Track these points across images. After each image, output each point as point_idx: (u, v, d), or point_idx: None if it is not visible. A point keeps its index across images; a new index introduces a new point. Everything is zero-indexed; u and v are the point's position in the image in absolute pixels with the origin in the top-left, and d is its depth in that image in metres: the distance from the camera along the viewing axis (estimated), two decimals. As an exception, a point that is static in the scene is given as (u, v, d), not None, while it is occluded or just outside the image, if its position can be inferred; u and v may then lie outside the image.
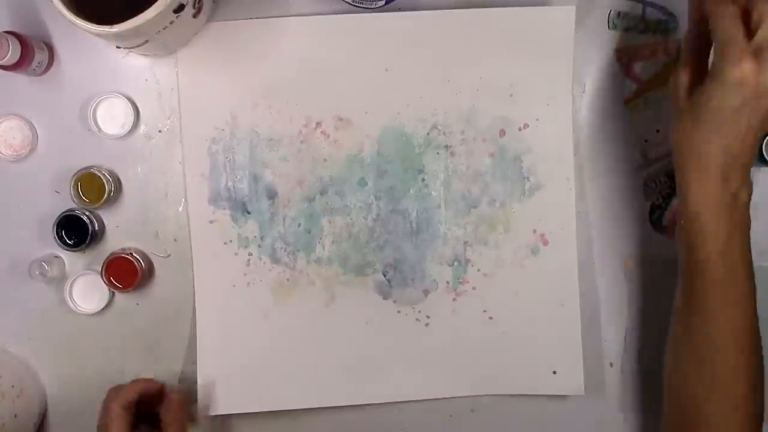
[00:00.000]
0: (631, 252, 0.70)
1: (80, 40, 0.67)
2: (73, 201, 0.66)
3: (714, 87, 0.53)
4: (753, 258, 0.69)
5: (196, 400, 0.67)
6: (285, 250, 0.68)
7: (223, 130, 0.67)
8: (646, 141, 0.69)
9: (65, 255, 0.68)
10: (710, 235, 0.56)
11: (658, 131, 0.69)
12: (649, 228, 0.70)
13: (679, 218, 0.60)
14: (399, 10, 0.67)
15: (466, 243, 0.68)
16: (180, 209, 0.68)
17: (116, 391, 0.63)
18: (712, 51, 0.56)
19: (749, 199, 0.57)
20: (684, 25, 0.68)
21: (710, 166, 0.55)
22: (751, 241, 0.69)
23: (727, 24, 0.52)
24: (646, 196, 0.70)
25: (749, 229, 0.58)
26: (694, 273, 0.58)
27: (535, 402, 0.70)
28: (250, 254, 0.68)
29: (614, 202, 0.70)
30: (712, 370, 0.58)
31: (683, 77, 0.58)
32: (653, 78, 0.69)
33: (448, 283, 0.68)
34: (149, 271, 0.68)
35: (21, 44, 0.62)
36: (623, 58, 0.69)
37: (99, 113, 0.67)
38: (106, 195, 0.66)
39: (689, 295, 0.59)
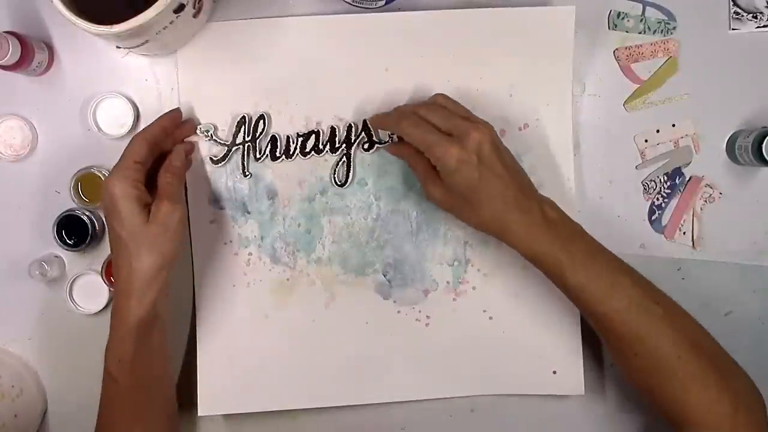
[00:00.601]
0: (631, 252, 0.70)
1: (80, 40, 0.67)
2: (73, 201, 0.66)
3: (452, 177, 0.58)
4: (753, 258, 0.70)
5: (196, 401, 0.68)
6: (285, 250, 0.68)
7: (222, 129, 0.67)
8: (646, 141, 0.69)
9: (65, 255, 0.68)
10: (557, 260, 0.58)
11: (658, 131, 0.69)
12: (649, 228, 0.70)
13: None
14: (399, 10, 0.67)
15: (466, 243, 0.68)
16: (180, 209, 0.68)
17: (120, 171, 0.59)
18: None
19: (558, 209, 0.61)
20: (684, 24, 0.68)
21: (513, 213, 0.58)
22: (751, 241, 0.69)
23: (424, 135, 0.59)
24: (645, 196, 0.70)
25: (582, 230, 0.61)
26: (588, 312, 0.60)
27: (535, 402, 0.70)
28: (250, 254, 0.68)
29: (614, 202, 0.70)
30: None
31: (435, 188, 0.60)
32: (653, 78, 0.69)
33: (448, 283, 0.68)
34: (149, 271, 0.68)
35: (21, 44, 0.62)
36: (623, 58, 0.69)
37: (99, 113, 0.67)
38: (106, 195, 0.66)
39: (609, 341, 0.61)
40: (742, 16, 0.68)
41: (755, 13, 0.68)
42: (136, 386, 0.60)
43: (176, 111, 0.65)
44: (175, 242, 0.59)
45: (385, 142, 0.67)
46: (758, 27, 0.68)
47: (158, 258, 0.58)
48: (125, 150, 0.60)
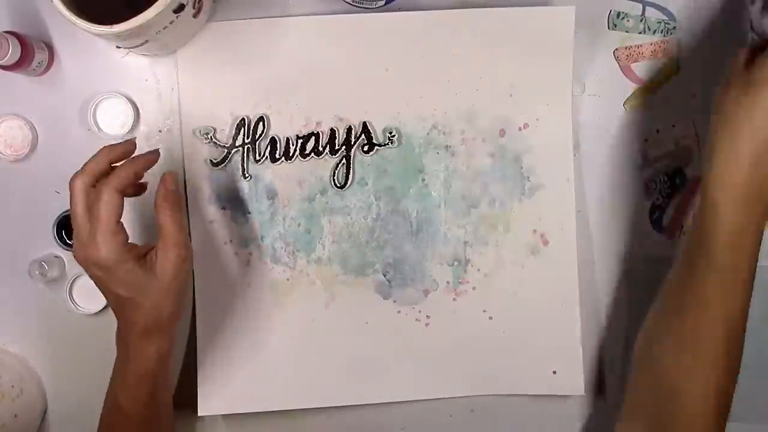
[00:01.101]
0: (631, 252, 0.70)
1: (80, 40, 0.67)
2: (73, 201, 0.66)
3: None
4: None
5: (196, 401, 0.68)
6: (285, 250, 0.68)
7: (222, 129, 0.67)
8: (646, 141, 0.69)
9: (65, 255, 0.68)
10: (725, 226, 0.54)
11: (658, 131, 0.69)
12: (649, 228, 0.70)
13: (696, 198, 0.59)
14: (399, 10, 0.67)
15: (466, 243, 0.68)
16: (180, 209, 0.68)
17: (104, 237, 0.53)
18: None
19: None
20: (684, 25, 0.68)
21: (744, 142, 0.53)
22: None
23: None
24: (646, 196, 0.70)
25: (765, 223, 0.55)
26: (697, 257, 0.56)
27: (534, 402, 0.70)
28: (250, 254, 0.68)
29: (614, 202, 0.70)
30: (694, 354, 0.56)
31: (741, 54, 0.56)
32: (653, 78, 0.69)
33: (448, 283, 0.68)
34: (149, 271, 0.68)
35: (21, 44, 0.62)
36: (623, 58, 0.69)
37: (99, 113, 0.67)
38: (106, 195, 0.66)
39: (688, 276, 0.57)
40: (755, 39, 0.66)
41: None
42: (146, 417, 0.59)
43: (155, 154, 0.59)
44: (190, 282, 0.57)
45: (384, 144, 0.67)
46: None
47: (177, 304, 0.57)
48: (100, 207, 0.53)
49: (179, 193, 0.59)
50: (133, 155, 0.58)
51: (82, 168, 0.55)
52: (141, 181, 0.59)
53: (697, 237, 0.56)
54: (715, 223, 0.54)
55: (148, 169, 0.58)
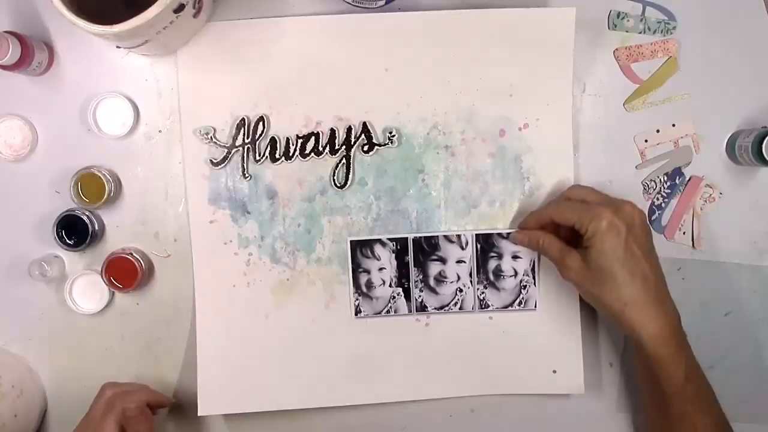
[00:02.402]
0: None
1: (80, 40, 0.67)
2: (73, 201, 0.66)
3: (598, 242, 0.58)
4: (753, 258, 0.70)
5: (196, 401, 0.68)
6: (285, 250, 0.68)
7: (222, 129, 0.67)
8: (646, 141, 0.69)
9: (65, 255, 0.68)
10: (673, 368, 0.59)
11: (658, 131, 0.69)
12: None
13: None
14: (399, 10, 0.67)
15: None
16: (180, 209, 0.68)
17: (119, 390, 0.62)
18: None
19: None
20: (684, 25, 0.68)
21: (645, 304, 0.58)
22: (751, 241, 0.69)
23: (574, 205, 0.61)
24: (646, 196, 0.70)
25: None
26: (660, 393, 0.60)
27: (534, 402, 0.70)
28: (250, 254, 0.68)
29: (614, 202, 0.70)
30: None
31: (573, 260, 0.60)
32: (653, 78, 0.69)
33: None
34: (149, 271, 0.68)
35: (21, 44, 0.62)
36: (623, 58, 0.69)
37: (99, 113, 0.67)
38: (106, 195, 0.66)
39: (656, 399, 0.61)
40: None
41: None
42: None
43: (168, 400, 0.67)
44: None
45: (384, 144, 0.67)
46: None
47: None
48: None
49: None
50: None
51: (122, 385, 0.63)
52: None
53: (653, 385, 0.60)
54: (664, 369, 0.59)
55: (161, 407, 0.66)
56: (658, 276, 0.60)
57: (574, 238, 0.62)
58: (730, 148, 0.69)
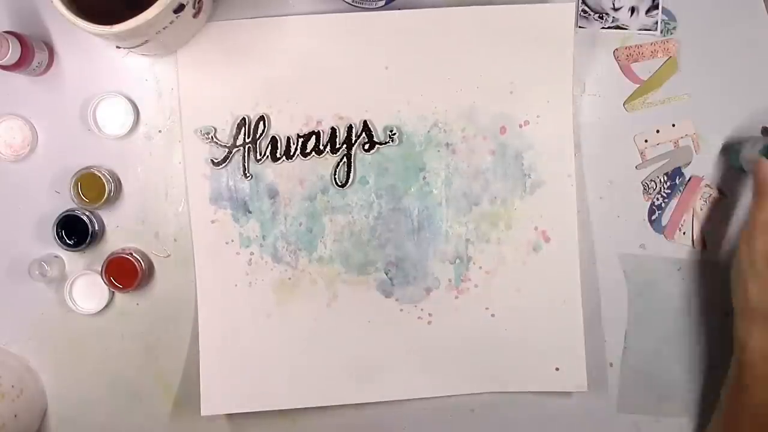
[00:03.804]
0: (630, 251, 0.70)
1: (80, 40, 0.67)
2: (73, 201, 0.66)
3: None
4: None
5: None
6: (287, 250, 0.68)
7: (223, 129, 0.67)
8: (646, 141, 0.69)
9: (65, 255, 0.68)
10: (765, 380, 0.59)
11: (658, 131, 0.69)
12: (649, 228, 0.70)
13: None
14: (399, 10, 0.67)
15: (467, 241, 0.68)
16: (180, 209, 0.68)
17: None
18: None
19: None
20: (684, 25, 0.69)
21: None
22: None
23: None
24: (646, 196, 0.70)
25: None
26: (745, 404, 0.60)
27: (534, 402, 0.70)
28: (252, 254, 0.67)
29: (614, 202, 0.70)
30: None
31: (761, 243, 0.59)
32: (653, 78, 0.69)
33: (450, 280, 0.68)
34: (149, 271, 0.68)
35: (21, 44, 0.62)
36: (623, 58, 0.69)
37: (99, 113, 0.67)
38: (106, 195, 0.66)
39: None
40: (590, 15, 0.68)
41: (601, 13, 0.68)
42: None
43: None
44: None
45: (385, 143, 0.67)
46: (603, 27, 0.69)
47: None
48: None
49: None
50: None
51: None
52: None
53: (741, 395, 0.60)
54: (758, 380, 0.59)
55: None
56: None
57: None
58: (733, 157, 0.69)
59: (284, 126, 0.67)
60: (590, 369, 0.69)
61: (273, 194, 0.67)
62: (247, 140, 0.67)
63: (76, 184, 0.66)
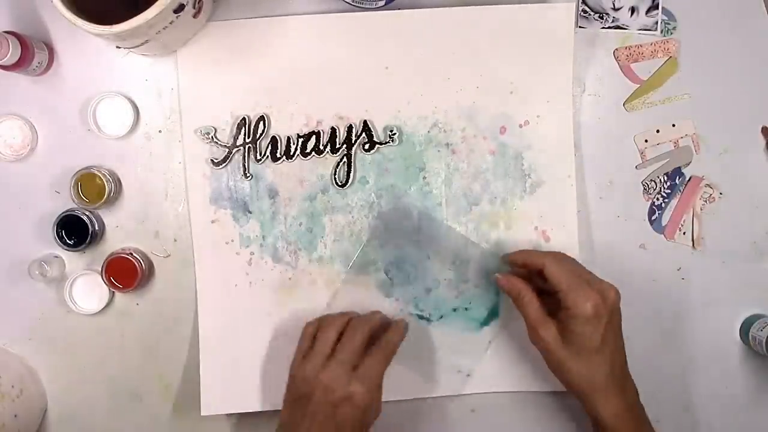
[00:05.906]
0: (630, 251, 0.70)
1: (80, 40, 0.67)
2: (73, 201, 0.66)
3: (581, 325, 0.58)
4: (753, 258, 0.70)
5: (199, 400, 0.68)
6: (287, 250, 0.68)
7: (223, 129, 0.67)
8: (646, 141, 0.69)
9: (65, 255, 0.68)
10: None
11: (658, 131, 0.69)
12: (649, 228, 0.70)
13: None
14: (399, 9, 0.67)
15: (467, 241, 0.68)
16: (180, 209, 0.68)
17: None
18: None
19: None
20: (684, 25, 0.69)
21: (609, 387, 0.59)
22: (751, 241, 0.70)
23: (570, 274, 0.59)
24: (646, 196, 0.70)
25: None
26: None
27: (534, 402, 0.70)
28: (252, 254, 0.67)
29: (614, 202, 0.70)
30: None
31: (549, 332, 0.60)
32: (653, 78, 0.69)
33: (450, 281, 0.68)
34: (149, 271, 0.68)
35: (21, 44, 0.62)
36: (623, 58, 0.69)
37: (99, 113, 0.67)
38: (106, 195, 0.66)
39: None
40: (590, 15, 0.68)
41: (602, 13, 0.68)
42: None
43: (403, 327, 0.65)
44: None
45: (385, 143, 0.67)
46: (603, 27, 0.69)
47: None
48: (347, 339, 0.61)
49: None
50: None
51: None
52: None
53: None
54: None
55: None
56: (623, 357, 0.61)
57: (543, 291, 0.61)
58: (744, 333, 0.69)
59: (284, 126, 0.67)
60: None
61: (273, 194, 0.67)
62: (247, 140, 0.67)
63: (76, 184, 0.66)
